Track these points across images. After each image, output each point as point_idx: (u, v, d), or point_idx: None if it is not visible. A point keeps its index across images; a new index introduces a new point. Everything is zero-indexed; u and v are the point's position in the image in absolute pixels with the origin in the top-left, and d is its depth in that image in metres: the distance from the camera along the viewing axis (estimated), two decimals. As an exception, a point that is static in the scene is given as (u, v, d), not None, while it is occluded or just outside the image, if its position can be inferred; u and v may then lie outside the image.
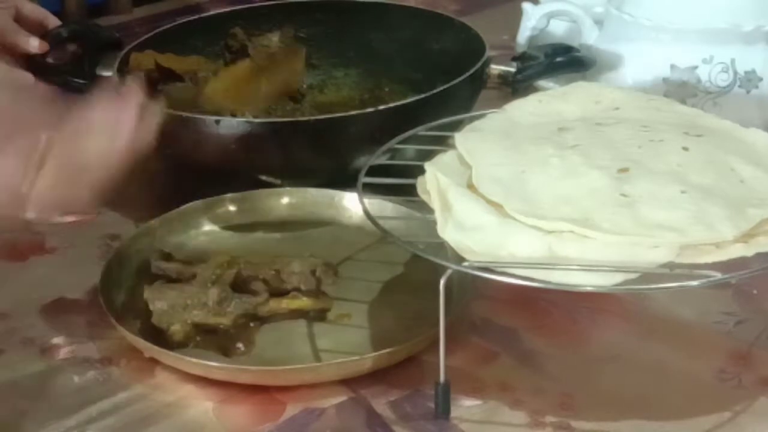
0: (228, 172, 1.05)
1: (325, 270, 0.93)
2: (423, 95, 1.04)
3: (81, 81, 1.15)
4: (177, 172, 1.09)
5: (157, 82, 1.14)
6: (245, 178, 1.04)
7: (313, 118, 1.02)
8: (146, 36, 1.20)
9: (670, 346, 0.88)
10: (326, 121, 1.02)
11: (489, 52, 1.11)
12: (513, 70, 1.10)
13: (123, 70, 1.13)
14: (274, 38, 1.18)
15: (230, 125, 1.02)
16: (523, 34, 1.17)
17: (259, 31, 1.18)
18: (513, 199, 0.79)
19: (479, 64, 1.08)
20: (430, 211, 0.81)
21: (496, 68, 1.11)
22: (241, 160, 1.04)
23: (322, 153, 1.03)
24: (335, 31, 1.27)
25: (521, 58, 1.11)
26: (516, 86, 1.08)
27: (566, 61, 1.09)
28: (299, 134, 1.02)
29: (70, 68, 1.15)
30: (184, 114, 1.04)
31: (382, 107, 1.04)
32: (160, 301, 0.89)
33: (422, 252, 0.80)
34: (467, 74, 1.06)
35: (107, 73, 1.13)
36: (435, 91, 1.04)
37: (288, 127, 1.03)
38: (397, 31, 1.24)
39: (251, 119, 1.05)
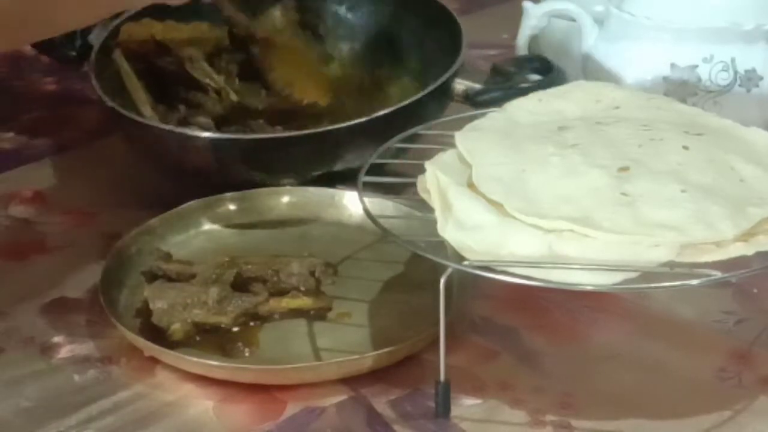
0: (186, 178, 1.05)
1: (324, 270, 0.93)
2: (380, 113, 1.03)
3: (72, 53, 1.13)
4: (186, 159, 1.08)
5: (146, 56, 1.11)
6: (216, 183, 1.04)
7: (269, 136, 1.02)
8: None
9: (670, 345, 0.88)
10: (283, 139, 1.02)
11: (474, 51, 1.09)
12: (478, 86, 1.08)
13: (110, 44, 1.10)
14: (275, 12, 1.16)
15: (183, 137, 1.02)
16: (524, 33, 1.17)
17: (261, 6, 1.17)
18: (513, 198, 0.79)
19: (444, 78, 1.07)
20: (431, 210, 0.81)
21: (461, 83, 1.08)
22: (197, 170, 1.04)
23: (283, 168, 1.03)
24: (342, 3, 1.25)
25: (491, 73, 1.09)
26: (477, 107, 1.04)
27: (530, 87, 1.03)
28: (257, 150, 1.02)
29: (62, 38, 1.12)
30: (143, 120, 1.04)
31: (335, 126, 1.02)
32: (160, 300, 0.89)
33: (422, 251, 0.80)
34: (428, 90, 1.05)
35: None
36: (389, 110, 1.03)
37: (244, 143, 1.02)
38: (401, 13, 1.22)
39: (197, 133, 1.04)
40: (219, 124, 1.09)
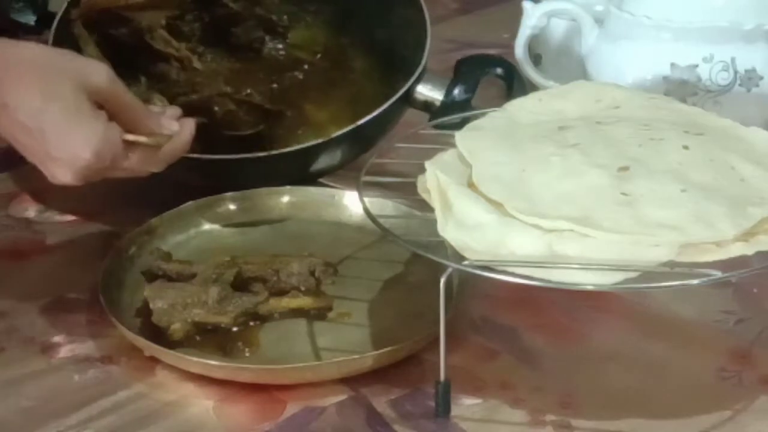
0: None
1: (324, 270, 0.93)
2: (334, 135, 1.03)
3: (32, 21, 1.09)
4: (176, 171, 1.09)
5: (107, 26, 1.08)
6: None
7: (227, 156, 1.02)
8: None
9: (671, 344, 0.88)
10: (250, 160, 1.02)
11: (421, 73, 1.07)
12: (440, 99, 1.07)
13: (71, 14, 1.07)
14: None
15: None
16: (524, 33, 1.17)
17: None
18: (513, 197, 0.79)
19: (402, 92, 1.06)
20: (431, 210, 0.81)
21: (422, 93, 1.07)
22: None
23: (254, 180, 1.03)
24: None
25: (454, 74, 1.08)
26: (435, 123, 1.02)
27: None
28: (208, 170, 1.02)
29: (21, 5, 1.10)
30: None
31: (282, 150, 1.03)
32: (160, 299, 0.89)
33: (422, 250, 0.80)
34: (386, 105, 1.05)
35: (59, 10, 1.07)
36: (345, 130, 1.03)
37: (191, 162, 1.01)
38: None
39: None
40: (182, 95, 1.07)
